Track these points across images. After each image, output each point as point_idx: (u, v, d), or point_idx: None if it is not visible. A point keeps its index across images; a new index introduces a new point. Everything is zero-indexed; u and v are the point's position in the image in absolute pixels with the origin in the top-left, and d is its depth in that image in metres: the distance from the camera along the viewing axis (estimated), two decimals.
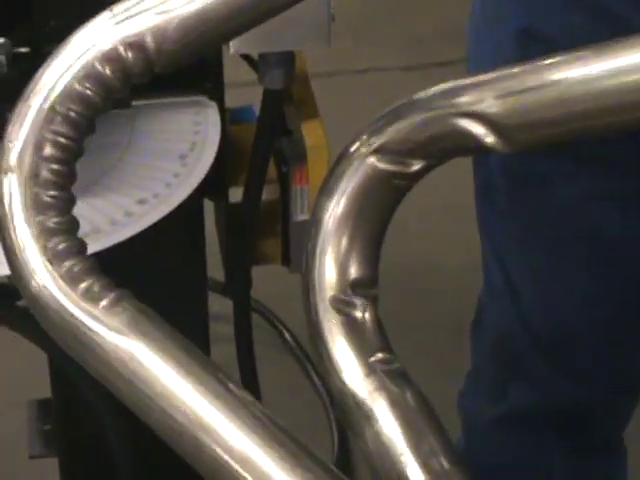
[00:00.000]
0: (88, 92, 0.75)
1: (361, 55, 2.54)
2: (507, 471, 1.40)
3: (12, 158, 0.73)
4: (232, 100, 1.25)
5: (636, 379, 1.34)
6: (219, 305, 1.43)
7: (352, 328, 0.75)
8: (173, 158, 1.14)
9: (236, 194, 1.30)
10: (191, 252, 1.30)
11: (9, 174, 0.73)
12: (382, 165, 0.74)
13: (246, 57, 1.25)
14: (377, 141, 0.74)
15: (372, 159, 0.74)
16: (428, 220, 2.28)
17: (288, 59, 1.19)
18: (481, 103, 0.70)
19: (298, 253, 1.33)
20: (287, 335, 2.10)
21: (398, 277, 2.11)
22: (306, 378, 2.06)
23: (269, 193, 1.31)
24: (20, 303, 1.31)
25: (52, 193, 0.73)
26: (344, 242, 0.75)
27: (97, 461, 1.38)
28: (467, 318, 1.42)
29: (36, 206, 0.73)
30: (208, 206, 1.30)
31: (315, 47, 1.16)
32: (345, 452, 1.97)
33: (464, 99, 0.71)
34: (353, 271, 0.75)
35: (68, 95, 0.75)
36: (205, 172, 1.13)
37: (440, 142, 0.73)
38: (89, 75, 0.74)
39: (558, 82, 0.69)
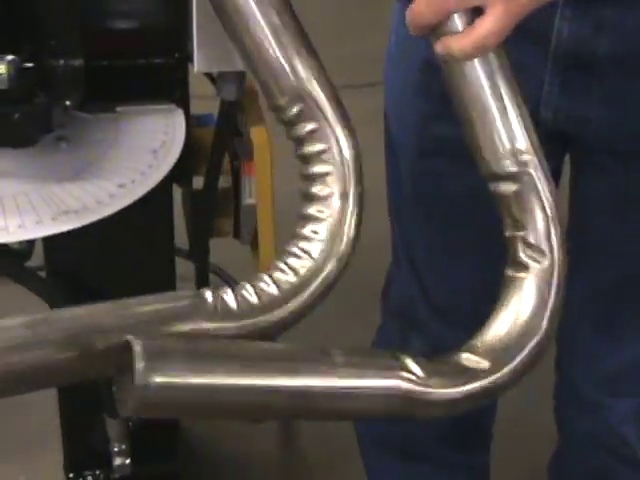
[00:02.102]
0: None
1: None
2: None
3: None
4: (196, 108, 1.24)
5: None
6: (184, 268, 1.41)
7: None
8: (147, 152, 1.12)
9: (198, 182, 1.29)
10: (162, 226, 1.28)
11: None
12: None
13: (208, 74, 1.23)
14: None
15: None
16: None
17: (240, 76, 1.17)
18: None
19: (246, 229, 1.32)
20: None
21: None
22: None
23: (224, 182, 1.30)
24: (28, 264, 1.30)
25: None
26: None
27: (87, 388, 1.36)
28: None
29: None
30: (176, 192, 1.29)
31: None
32: None
33: None
34: None
35: None
36: (173, 164, 1.12)
37: None
38: None
39: None
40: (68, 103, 1.05)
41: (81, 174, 1.09)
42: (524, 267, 0.81)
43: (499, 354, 0.79)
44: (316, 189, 0.82)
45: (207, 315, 0.75)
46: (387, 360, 0.75)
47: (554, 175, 1.14)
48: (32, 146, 1.06)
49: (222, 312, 0.76)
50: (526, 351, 0.79)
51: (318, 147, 0.82)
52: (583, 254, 1.15)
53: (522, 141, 0.82)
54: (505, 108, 0.81)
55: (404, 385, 0.74)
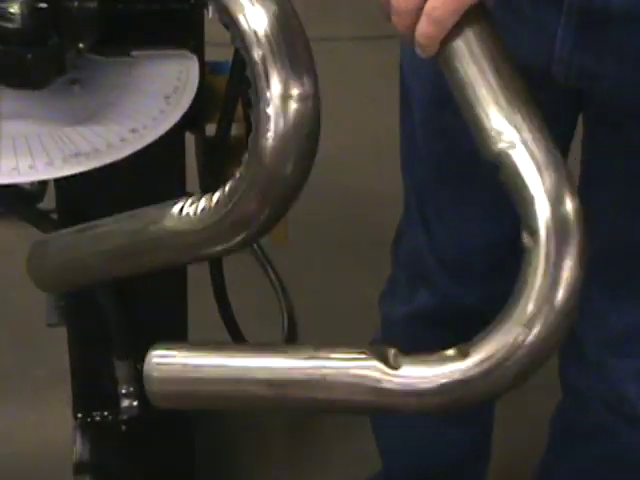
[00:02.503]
0: None
1: (317, 26, 2.50)
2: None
3: None
4: (210, 55, 1.23)
5: None
6: None
7: None
8: (160, 98, 1.12)
9: (211, 129, 1.28)
10: (175, 173, 1.28)
11: None
12: None
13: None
14: None
15: None
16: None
17: None
18: None
19: None
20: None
21: (343, 204, 2.10)
22: (264, 273, 2.06)
23: (236, 129, 1.30)
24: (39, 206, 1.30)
25: None
26: None
27: (97, 331, 1.38)
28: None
29: None
30: (189, 138, 1.29)
31: None
32: (292, 329, 1.98)
33: None
34: None
35: None
36: (184, 110, 1.12)
37: None
38: None
39: None
40: (81, 45, 1.05)
41: (93, 117, 1.09)
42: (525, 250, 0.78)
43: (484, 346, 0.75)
44: None
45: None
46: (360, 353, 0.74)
47: (567, 135, 1.14)
48: (45, 88, 1.06)
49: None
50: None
51: None
52: (594, 212, 1.15)
53: (502, 122, 0.77)
54: (489, 90, 0.78)
55: (375, 374, 0.72)
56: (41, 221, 1.25)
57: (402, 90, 1.23)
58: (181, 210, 0.81)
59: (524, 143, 0.76)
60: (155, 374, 0.76)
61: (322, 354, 0.72)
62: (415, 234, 1.30)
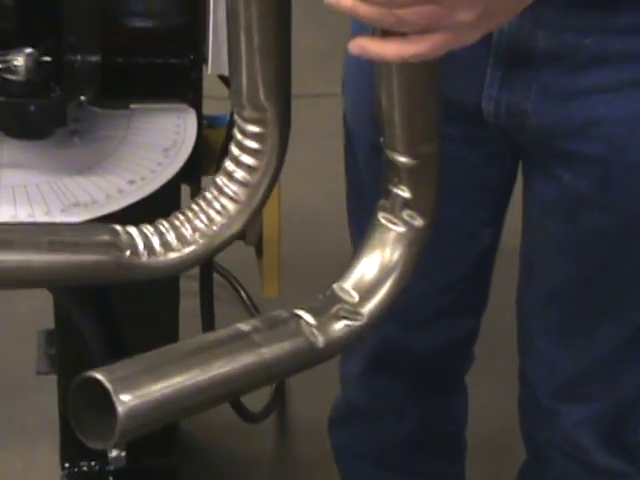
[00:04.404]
0: None
1: (317, 81, 2.54)
2: (372, 413, 1.40)
3: None
4: (208, 109, 1.26)
5: (470, 335, 1.34)
6: None
7: None
8: (158, 151, 1.15)
9: (207, 182, 1.30)
10: None
11: None
12: None
13: (221, 76, 1.25)
14: None
15: None
16: None
17: None
18: None
19: (252, 230, 1.34)
20: (241, 292, 2.12)
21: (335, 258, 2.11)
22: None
23: None
24: None
25: None
26: None
27: None
28: None
29: None
30: (185, 191, 1.31)
31: None
32: (281, 381, 1.98)
33: None
34: None
35: None
36: (182, 163, 1.14)
37: None
38: None
39: None
40: (83, 98, 1.08)
41: (92, 168, 1.11)
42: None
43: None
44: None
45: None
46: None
47: (510, 177, 1.15)
48: (46, 138, 1.09)
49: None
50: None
51: None
52: (535, 256, 1.17)
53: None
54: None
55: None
56: None
57: (346, 141, 1.24)
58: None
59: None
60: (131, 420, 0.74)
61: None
62: None
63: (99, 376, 0.71)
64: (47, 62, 1.04)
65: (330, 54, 2.63)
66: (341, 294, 0.89)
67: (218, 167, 1.26)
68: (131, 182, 1.10)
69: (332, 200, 2.08)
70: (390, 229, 0.90)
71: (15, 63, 1.01)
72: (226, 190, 0.89)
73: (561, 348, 1.19)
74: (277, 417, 1.91)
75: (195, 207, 0.90)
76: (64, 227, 0.90)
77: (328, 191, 2.03)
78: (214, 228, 0.89)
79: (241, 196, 0.89)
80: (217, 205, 0.90)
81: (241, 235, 1.32)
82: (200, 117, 1.21)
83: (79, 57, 1.06)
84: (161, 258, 0.87)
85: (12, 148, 1.10)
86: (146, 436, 1.42)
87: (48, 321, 1.42)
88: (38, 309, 1.62)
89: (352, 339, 0.87)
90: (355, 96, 1.17)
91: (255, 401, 1.76)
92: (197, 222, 0.89)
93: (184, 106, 1.20)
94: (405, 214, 0.89)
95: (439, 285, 1.24)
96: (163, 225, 0.89)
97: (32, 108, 1.03)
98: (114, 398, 0.70)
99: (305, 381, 1.90)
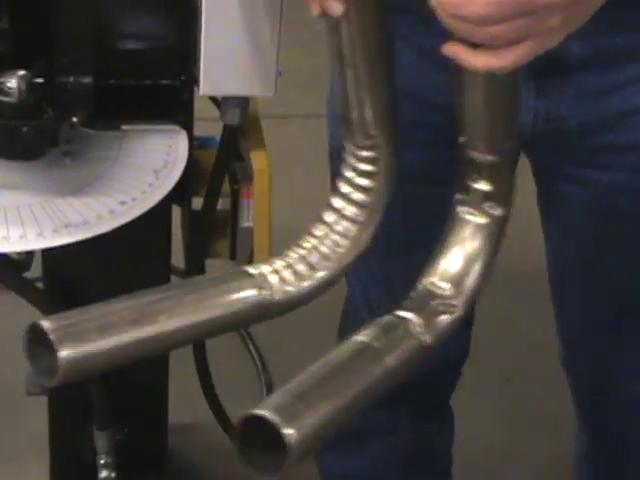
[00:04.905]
0: None
1: (306, 102, 2.54)
2: (364, 437, 1.39)
3: None
4: (199, 130, 1.26)
5: (459, 359, 1.35)
6: None
7: None
8: (149, 172, 1.15)
9: (197, 203, 1.31)
10: (160, 245, 1.31)
11: None
12: None
13: (212, 98, 1.26)
14: None
15: None
16: None
17: (244, 102, 1.20)
18: None
19: (243, 252, 1.35)
20: None
21: None
22: (246, 350, 2.07)
23: (223, 204, 1.32)
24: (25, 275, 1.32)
25: None
26: None
27: (78, 401, 1.39)
28: None
29: None
30: (176, 211, 1.32)
31: (264, 94, 1.17)
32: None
33: None
34: None
35: None
36: (173, 184, 1.15)
37: None
38: None
39: None
40: (75, 119, 1.09)
41: (84, 189, 1.12)
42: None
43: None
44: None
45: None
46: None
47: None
48: (38, 160, 1.09)
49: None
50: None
51: None
52: (572, 269, 1.18)
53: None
54: None
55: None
56: (26, 290, 1.27)
57: (333, 170, 1.24)
58: None
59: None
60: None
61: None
62: (357, 313, 1.29)
63: (262, 412, 0.73)
64: (40, 84, 1.04)
65: (317, 74, 2.65)
66: (433, 289, 0.91)
67: (209, 188, 1.29)
68: (122, 203, 1.11)
69: None
70: (470, 221, 0.93)
71: (8, 85, 1.02)
72: (345, 213, 0.93)
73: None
74: None
75: (318, 233, 0.93)
76: (204, 281, 0.91)
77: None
78: (340, 251, 0.92)
79: (360, 217, 0.93)
80: (339, 228, 0.93)
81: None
82: (191, 138, 1.22)
83: (71, 79, 1.07)
84: (295, 290, 0.90)
85: (4, 169, 1.11)
86: (136, 456, 1.43)
87: None
88: None
89: (453, 330, 0.90)
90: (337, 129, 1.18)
91: None
92: (323, 248, 0.92)
93: (175, 127, 1.21)
94: (486, 206, 0.93)
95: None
96: (290, 257, 0.92)
97: (25, 129, 1.03)
98: (282, 431, 0.72)
99: None
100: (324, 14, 0.84)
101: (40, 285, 1.31)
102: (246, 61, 1.14)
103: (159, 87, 1.19)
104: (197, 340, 0.87)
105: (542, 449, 1.87)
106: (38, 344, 0.78)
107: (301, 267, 0.91)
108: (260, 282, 0.88)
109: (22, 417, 1.81)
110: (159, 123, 1.20)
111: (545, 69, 1.02)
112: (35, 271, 1.31)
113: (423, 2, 0.80)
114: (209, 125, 1.31)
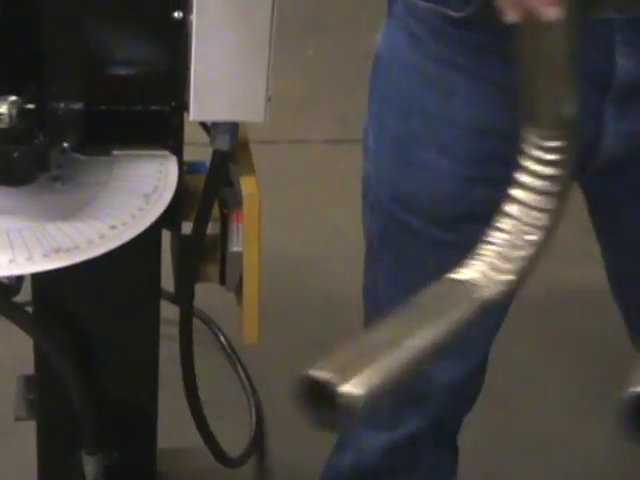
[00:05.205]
0: None
1: (296, 127, 2.55)
2: (389, 474, 1.42)
3: None
4: (189, 155, 1.27)
5: (470, 396, 1.36)
6: (169, 311, 1.45)
7: None
8: (139, 196, 1.16)
9: (187, 227, 1.32)
10: (150, 269, 1.32)
11: None
12: None
13: (202, 123, 1.27)
14: None
15: None
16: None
17: (233, 127, 1.21)
18: None
19: (232, 276, 1.35)
20: (221, 337, 2.12)
21: (315, 305, 2.12)
22: (233, 371, 2.08)
23: (213, 228, 1.33)
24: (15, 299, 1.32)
25: None
26: None
27: (66, 425, 1.39)
28: None
29: None
30: (165, 235, 1.32)
31: (253, 120, 1.18)
32: (260, 426, 1.98)
33: None
34: None
35: None
36: (163, 209, 1.16)
37: None
38: None
39: None
40: (66, 145, 1.09)
41: (74, 214, 1.12)
42: None
43: None
44: None
45: None
46: None
47: None
48: (28, 184, 1.10)
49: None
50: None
51: None
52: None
53: None
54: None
55: None
56: (16, 314, 1.27)
57: (364, 198, 1.26)
58: None
59: None
60: None
61: None
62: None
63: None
64: (31, 109, 1.05)
65: (307, 99, 2.66)
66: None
67: (198, 213, 1.29)
68: (113, 227, 1.12)
69: (312, 246, 2.10)
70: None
71: None
72: (533, 203, 0.92)
73: None
74: (256, 462, 1.91)
75: (506, 227, 0.93)
76: (425, 301, 0.90)
77: (308, 237, 2.05)
78: (535, 238, 0.92)
79: (548, 205, 0.92)
80: (529, 220, 0.93)
81: None
82: (181, 163, 1.23)
83: (62, 104, 1.08)
84: (498, 287, 0.90)
85: None
86: (124, 477, 1.43)
87: (27, 366, 1.42)
88: (17, 354, 1.62)
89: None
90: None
91: (234, 446, 1.77)
92: (516, 241, 0.92)
93: (165, 152, 1.22)
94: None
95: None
96: (486, 254, 0.92)
97: (16, 154, 1.04)
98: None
99: (284, 426, 1.90)
100: (527, 18, 0.86)
101: (30, 309, 1.31)
102: (236, 87, 1.15)
103: (149, 113, 1.20)
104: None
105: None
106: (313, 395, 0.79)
107: (499, 263, 0.91)
108: (474, 284, 0.89)
109: (11, 441, 1.80)
110: (149, 148, 1.21)
111: (628, 95, 1.07)
112: (24, 295, 1.31)
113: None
114: (199, 150, 1.31)
